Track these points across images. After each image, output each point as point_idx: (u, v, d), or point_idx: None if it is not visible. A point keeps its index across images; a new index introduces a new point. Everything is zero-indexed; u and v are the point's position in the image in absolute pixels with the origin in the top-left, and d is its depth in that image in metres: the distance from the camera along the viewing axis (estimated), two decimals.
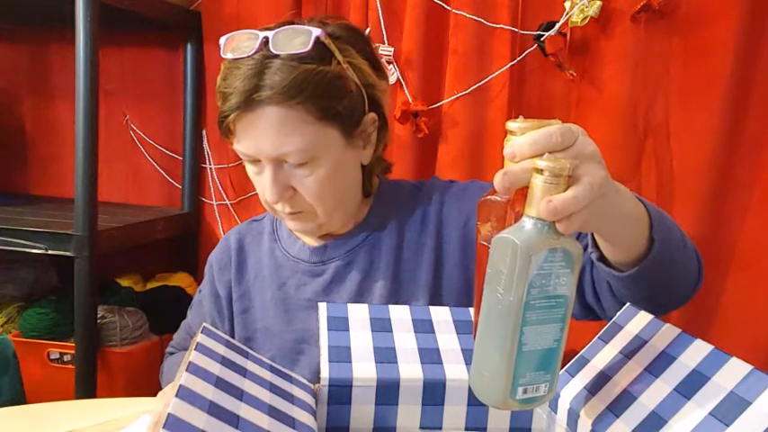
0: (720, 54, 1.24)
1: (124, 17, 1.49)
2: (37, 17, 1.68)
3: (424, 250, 0.90)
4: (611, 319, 0.73)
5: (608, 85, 1.31)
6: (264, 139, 0.79)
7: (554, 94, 1.37)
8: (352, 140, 0.85)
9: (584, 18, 1.27)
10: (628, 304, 0.62)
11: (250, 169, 0.86)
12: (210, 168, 1.71)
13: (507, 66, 1.34)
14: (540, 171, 0.45)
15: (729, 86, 1.24)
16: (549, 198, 0.45)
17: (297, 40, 0.79)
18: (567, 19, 1.28)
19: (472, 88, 1.37)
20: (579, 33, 1.31)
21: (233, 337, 0.98)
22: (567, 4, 1.28)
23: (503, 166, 0.48)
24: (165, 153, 1.79)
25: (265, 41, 0.79)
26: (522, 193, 0.47)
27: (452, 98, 1.38)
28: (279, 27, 0.82)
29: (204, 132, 1.71)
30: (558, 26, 1.29)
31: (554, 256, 0.46)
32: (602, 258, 0.66)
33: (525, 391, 0.48)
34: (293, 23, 0.84)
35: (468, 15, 1.35)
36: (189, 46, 1.67)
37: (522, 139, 0.47)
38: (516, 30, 1.34)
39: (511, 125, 0.48)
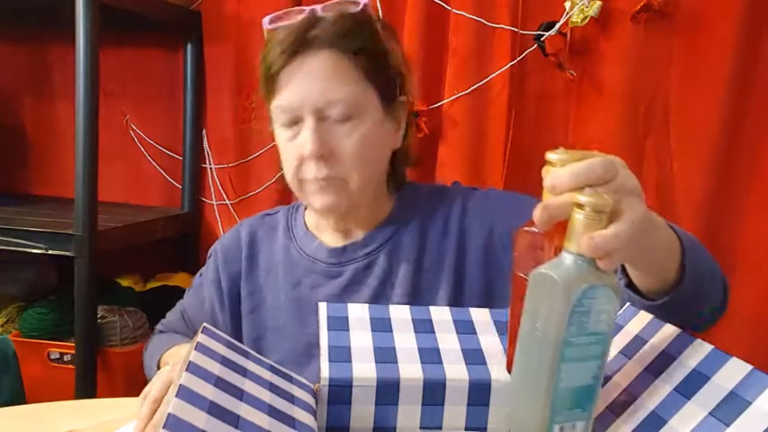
0: (720, 54, 1.24)
1: (124, 17, 1.48)
2: (37, 17, 1.69)
3: (445, 259, 0.88)
4: None
5: (608, 85, 1.31)
6: (313, 85, 0.79)
7: (554, 94, 1.37)
8: (388, 113, 0.86)
9: (585, 18, 1.27)
10: (628, 304, 0.62)
11: (283, 135, 0.84)
12: (210, 168, 1.71)
13: (507, 66, 1.34)
14: (581, 206, 0.44)
15: (729, 86, 1.24)
16: (590, 235, 0.44)
17: (347, 7, 0.82)
18: (567, 19, 1.28)
19: (472, 88, 1.37)
20: (579, 33, 1.31)
21: (231, 330, 0.96)
22: (567, 4, 1.28)
23: (543, 195, 0.47)
24: (165, 153, 1.79)
25: (312, 11, 0.81)
26: (561, 225, 0.46)
27: (452, 98, 1.38)
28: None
29: (204, 132, 1.71)
30: (558, 26, 1.29)
31: (594, 292, 0.45)
32: (630, 284, 0.65)
33: (562, 429, 0.48)
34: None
35: (468, 15, 1.35)
36: (189, 46, 1.67)
37: (563, 172, 0.46)
38: (516, 30, 1.34)
39: (551, 156, 0.47)
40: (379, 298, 0.89)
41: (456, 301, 0.87)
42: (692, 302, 0.64)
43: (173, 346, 0.94)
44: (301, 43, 0.79)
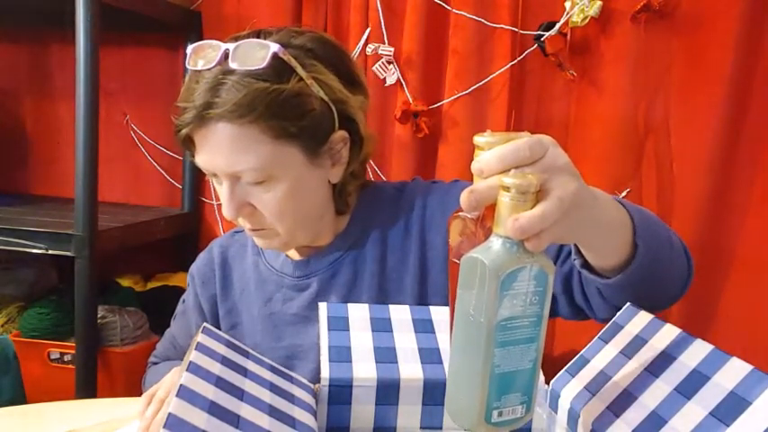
0: (720, 54, 1.24)
1: (124, 17, 1.48)
2: (37, 17, 1.68)
3: (408, 257, 0.88)
4: (602, 318, 0.73)
5: (608, 85, 1.31)
6: (218, 156, 0.78)
7: (554, 94, 1.37)
8: (316, 159, 0.81)
9: (585, 18, 1.27)
10: (628, 304, 0.62)
11: (213, 181, 0.84)
12: None
13: (507, 66, 1.34)
14: (507, 188, 0.44)
15: (729, 86, 1.24)
16: (515, 216, 0.43)
17: (257, 54, 0.76)
18: (568, 19, 1.28)
19: (472, 88, 1.37)
20: (579, 33, 1.31)
21: None
22: (568, 4, 1.28)
23: (473, 180, 0.47)
24: (165, 153, 1.79)
25: (225, 55, 0.76)
26: (492, 208, 0.46)
27: (452, 98, 1.38)
28: (246, 37, 0.79)
29: None
30: (558, 26, 1.29)
31: (525, 275, 0.44)
32: (586, 265, 0.65)
33: (501, 414, 0.47)
34: (260, 34, 0.80)
35: (468, 15, 1.35)
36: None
37: (489, 155, 0.45)
38: (516, 30, 1.34)
39: (478, 140, 0.47)
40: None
41: (422, 297, 0.88)
42: (652, 277, 0.63)
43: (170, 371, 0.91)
44: (201, 118, 0.77)
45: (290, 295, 0.92)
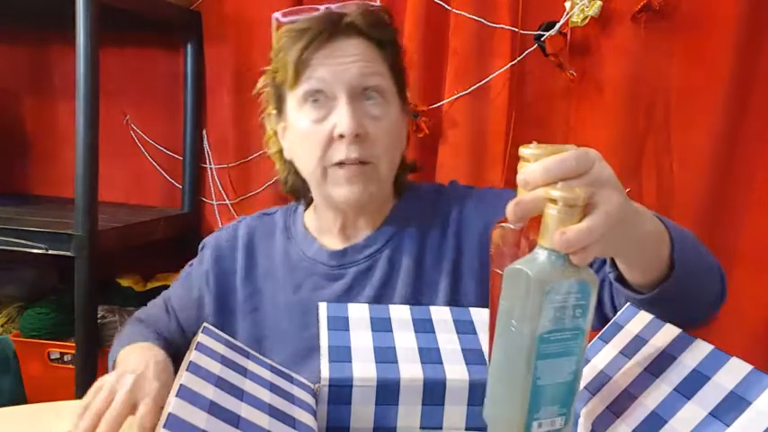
0: (720, 54, 1.24)
1: (124, 17, 1.48)
2: (37, 17, 1.68)
3: (443, 260, 0.88)
4: None
5: (608, 85, 1.31)
6: (350, 66, 0.81)
7: (554, 94, 1.37)
8: (402, 110, 0.88)
9: (585, 18, 1.27)
10: (628, 304, 0.62)
11: (308, 117, 0.82)
12: (210, 168, 1.71)
13: (507, 66, 1.34)
14: (554, 201, 0.44)
15: (729, 86, 1.24)
16: (562, 230, 0.43)
17: (366, 6, 0.85)
18: (568, 19, 1.28)
19: (472, 88, 1.37)
20: (579, 33, 1.31)
21: (214, 323, 0.93)
22: (568, 4, 1.28)
23: (518, 191, 0.46)
24: (165, 153, 1.79)
25: (328, 8, 0.83)
26: (536, 220, 0.46)
27: (452, 98, 1.38)
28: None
29: (204, 132, 1.71)
30: (558, 26, 1.29)
31: (568, 287, 0.45)
32: (620, 278, 0.64)
33: (540, 426, 0.47)
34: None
35: (468, 15, 1.35)
36: (189, 46, 1.67)
37: (535, 167, 0.45)
38: (516, 30, 1.34)
39: (524, 151, 0.47)
40: (380, 300, 0.88)
41: (454, 300, 0.87)
42: (684, 296, 0.63)
43: (136, 342, 0.87)
44: (336, 29, 0.81)
45: (321, 284, 0.90)
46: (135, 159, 1.81)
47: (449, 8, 1.38)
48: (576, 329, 0.46)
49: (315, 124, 0.82)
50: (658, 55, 1.28)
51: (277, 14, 0.85)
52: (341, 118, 0.80)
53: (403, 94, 0.89)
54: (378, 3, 0.86)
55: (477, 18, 1.35)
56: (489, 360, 0.49)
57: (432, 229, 0.90)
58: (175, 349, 0.88)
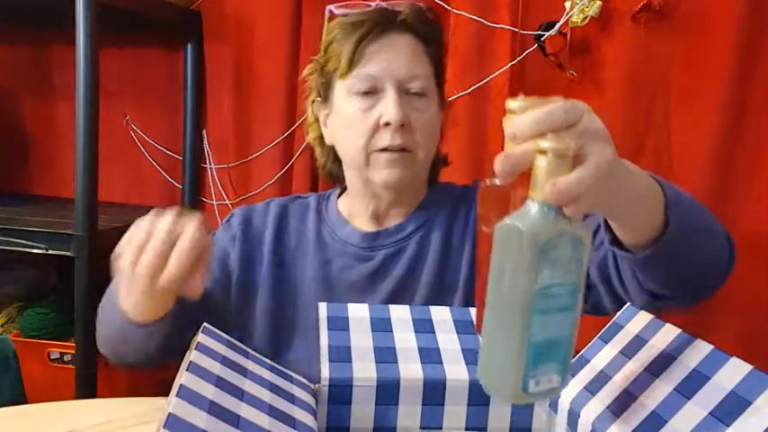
0: (720, 54, 1.24)
1: (124, 17, 1.49)
2: (37, 17, 1.68)
3: (463, 252, 0.91)
4: (640, 308, 0.72)
5: (608, 85, 1.31)
6: (399, 59, 0.86)
7: (554, 94, 1.36)
8: (441, 109, 0.93)
9: (585, 18, 1.27)
10: (628, 304, 0.62)
11: (356, 105, 0.87)
12: (210, 168, 1.71)
13: (507, 66, 1.34)
14: (543, 152, 0.43)
15: (729, 86, 1.24)
16: (553, 181, 0.43)
17: (419, 5, 0.91)
18: (568, 19, 1.28)
19: (472, 88, 1.37)
20: (579, 33, 1.31)
21: (236, 282, 0.93)
22: (568, 4, 1.28)
23: (505, 145, 0.46)
24: (165, 153, 1.79)
25: (378, 4, 0.90)
26: (525, 175, 0.45)
27: (452, 98, 1.38)
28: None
29: (204, 132, 1.71)
30: (558, 26, 1.29)
31: (562, 241, 0.43)
32: (615, 241, 0.63)
33: (538, 383, 0.46)
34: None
35: (468, 15, 1.35)
36: (189, 46, 1.67)
37: (523, 119, 0.44)
38: (516, 30, 1.34)
39: (511, 104, 0.46)
40: (406, 284, 0.91)
41: (466, 299, 0.90)
42: (682, 257, 0.62)
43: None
44: (391, 23, 0.87)
45: (351, 264, 0.93)
46: (135, 159, 1.81)
47: (449, 8, 1.38)
48: (570, 284, 0.45)
49: (362, 113, 0.87)
50: (658, 55, 1.28)
51: (330, 7, 0.91)
52: (388, 107, 0.85)
53: (442, 90, 0.94)
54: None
55: (477, 18, 1.35)
56: (480, 323, 0.48)
57: (456, 225, 0.94)
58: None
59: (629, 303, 0.62)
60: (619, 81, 1.30)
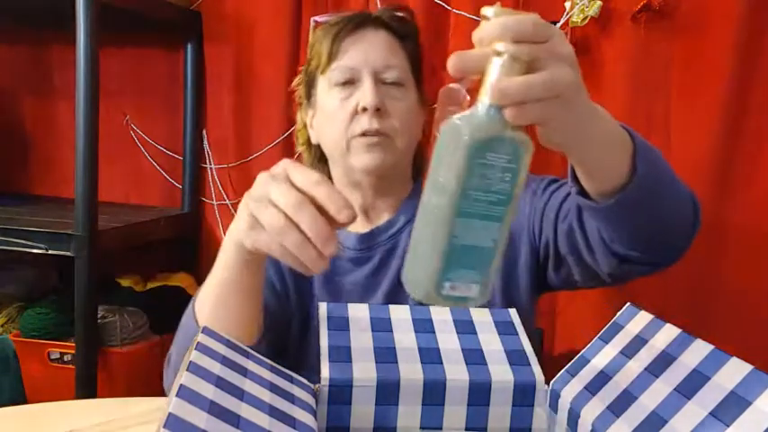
0: (720, 54, 1.24)
1: (124, 17, 1.49)
2: (37, 17, 1.68)
3: None
4: (608, 273, 0.73)
5: (608, 85, 1.31)
6: (375, 51, 0.91)
7: None
8: (420, 103, 0.96)
9: (585, 18, 1.27)
10: (628, 304, 0.62)
11: (336, 96, 0.91)
12: (210, 168, 1.71)
13: None
14: (499, 53, 0.43)
15: (729, 86, 1.24)
16: (499, 79, 0.43)
17: (394, 9, 0.98)
18: (568, 19, 1.28)
19: None
20: (579, 33, 1.31)
21: (292, 286, 0.92)
22: (568, 4, 1.28)
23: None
24: (165, 153, 1.79)
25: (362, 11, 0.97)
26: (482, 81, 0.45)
27: None
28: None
29: (204, 132, 1.71)
30: (558, 26, 1.29)
31: (500, 146, 0.43)
32: (582, 192, 0.63)
33: (453, 288, 0.46)
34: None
35: (468, 15, 1.35)
36: (189, 46, 1.67)
37: (492, 23, 0.44)
38: None
39: (486, 11, 0.45)
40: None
41: (507, 293, 0.91)
42: (647, 210, 0.62)
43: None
44: (366, 20, 0.93)
45: (351, 267, 0.94)
46: (135, 159, 1.81)
47: (449, 8, 1.38)
48: (502, 194, 0.44)
49: (342, 101, 0.91)
50: (658, 55, 1.28)
51: (315, 18, 0.99)
52: (364, 93, 0.89)
53: (420, 87, 0.97)
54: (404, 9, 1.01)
55: (477, 18, 1.35)
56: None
57: None
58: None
59: (628, 303, 0.62)
60: (619, 81, 1.30)
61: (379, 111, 0.89)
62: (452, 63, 0.45)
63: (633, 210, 0.62)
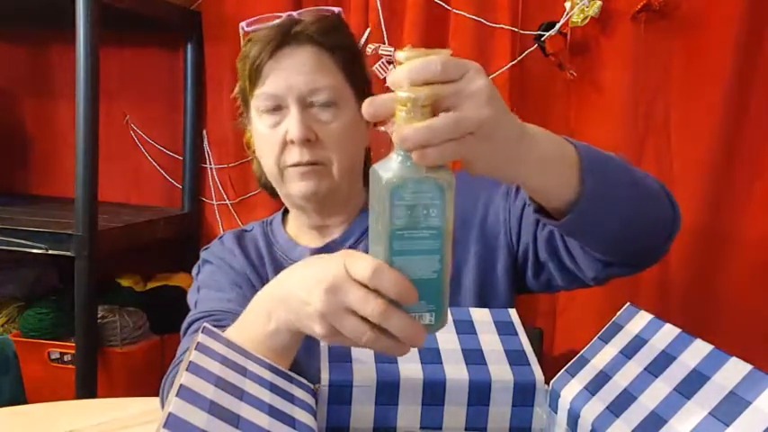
0: (720, 54, 1.24)
1: (124, 17, 1.49)
2: (37, 17, 1.69)
3: (468, 252, 0.89)
4: (592, 277, 0.72)
5: (608, 85, 1.31)
6: (298, 75, 0.83)
7: (554, 94, 1.37)
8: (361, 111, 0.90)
9: (585, 18, 1.27)
10: (628, 304, 0.62)
11: (265, 123, 0.86)
12: (210, 168, 1.71)
13: (507, 66, 1.34)
14: (401, 102, 0.45)
15: (729, 86, 1.24)
16: (401, 126, 0.44)
17: (323, 13, 0.88)
18: (568, 19, 1.28)
19: None
20: (579, 33, 1.31)
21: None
22: (568, 4, 1.28)
23: None
24: (165, 153, 1.79)
25: (290, 15, 0.85)
26: None
27: None
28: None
29: (204, 132, 1.71)
30: (558, 26, 1.29)
31: (420, 187, 0.46)
32: (541, 210, 0.63)
33: None
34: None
35: (468, 15, 1.35)
36: (189, 46, 1.67)
37: (402, 68, 0.45)
38: (516, 30, 1.34)
39: (399, 55, 0.47)
40: None
41: (481, 299, 0.88)
42: (609, 216, 0.61)
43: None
44: (285, 37, 0.84)
45: None
46: (135, 159, 1.81)
47: (449, 8, 1.38)
48: (432, 229, 0.47)
49: (270, 129, 0.86)
50: (658, 55, 1.29)
51: (242, 24, 0.89)
52: (291, 125, 0.84)
53: (362, 94, 0.88)
54: (337, 9, 0.90)
55: (477, 18, 1.35)
56: None
57: None
58: None
59: (628, 303, 0.62)
60: (619, 81, 1.30)
61: (308, 141, 0.83)
62: (364, 109, 0.47)
63: (593, 220, 0.61)
